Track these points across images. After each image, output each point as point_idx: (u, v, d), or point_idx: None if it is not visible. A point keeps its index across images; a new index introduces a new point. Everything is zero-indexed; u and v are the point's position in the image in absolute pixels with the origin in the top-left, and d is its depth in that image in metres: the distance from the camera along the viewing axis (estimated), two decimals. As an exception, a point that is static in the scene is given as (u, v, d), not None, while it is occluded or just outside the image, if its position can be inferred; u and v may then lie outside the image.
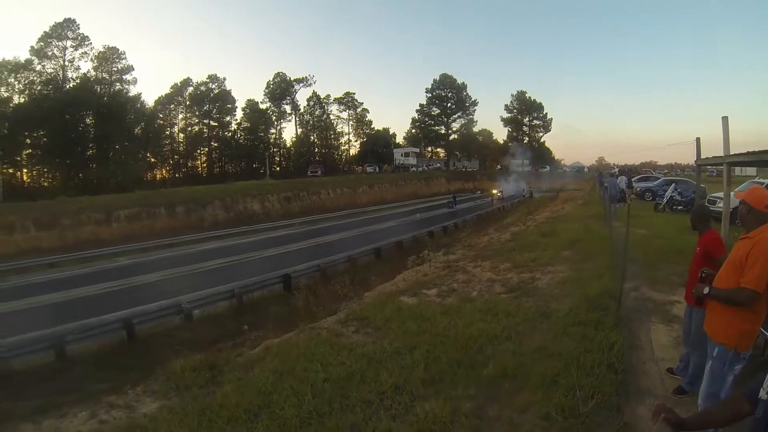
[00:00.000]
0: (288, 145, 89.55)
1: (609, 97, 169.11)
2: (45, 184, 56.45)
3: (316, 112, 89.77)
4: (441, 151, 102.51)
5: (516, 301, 8.46)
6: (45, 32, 57.42)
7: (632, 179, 36.65)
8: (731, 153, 15.13)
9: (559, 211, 30.21)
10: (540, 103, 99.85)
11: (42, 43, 56.84)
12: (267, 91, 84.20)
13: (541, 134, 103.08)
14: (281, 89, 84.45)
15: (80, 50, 59.84)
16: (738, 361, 3.51)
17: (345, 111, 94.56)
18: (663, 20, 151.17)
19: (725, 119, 15.96)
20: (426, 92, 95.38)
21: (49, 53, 57.19)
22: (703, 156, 18.20)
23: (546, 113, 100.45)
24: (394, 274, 15.23)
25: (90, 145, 60.15)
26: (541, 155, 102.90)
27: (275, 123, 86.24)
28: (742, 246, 3.55)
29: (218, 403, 5.15)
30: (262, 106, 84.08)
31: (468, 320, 7.31)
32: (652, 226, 16.97)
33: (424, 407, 4.65)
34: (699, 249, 4.90)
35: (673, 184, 26.12)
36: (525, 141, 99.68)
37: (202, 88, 77.41)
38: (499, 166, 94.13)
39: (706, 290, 3.68)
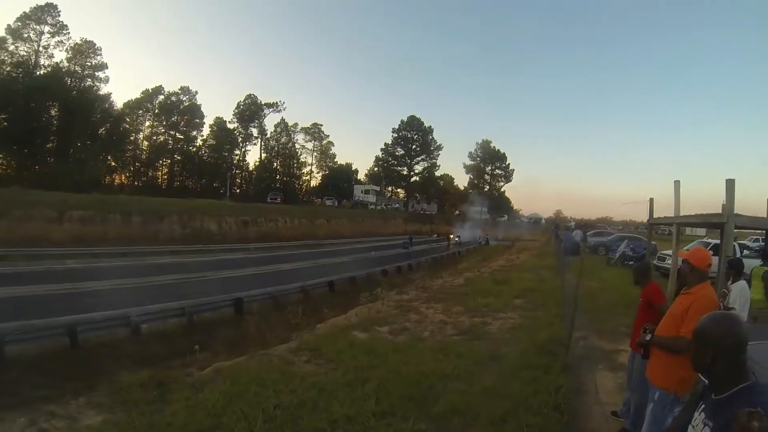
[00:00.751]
0: (251, 168, 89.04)
1: (570, 152, 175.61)
2: (-2, 170, 53.80)
3: (282, 139, 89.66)
4: (401, 192, 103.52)
5: (467, 343, 8.64)
6: (24, 13, 55.94)
7: (587, 234, 37.87)
8: (681, 214, 16.04)
9: (514, 260, 30.88)
10: (503, 153, 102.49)
11: (19, 24, 55.21)
12: (237, 111, 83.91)
13: (501, 184, 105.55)
14: (251, 111, 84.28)
15: (57, 38, 58.40)
16: (677, 405, 3.73)
17: (311, 141, 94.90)
18: (626, 82, 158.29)
19: (677, 183, 16.93)
20: (392, 132, 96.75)
21: (25, 35, 55.55)
22: (656, 215, 19.18)
23: (509, 164, 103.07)
24: (346, 308, 15.18)
25: (51, 138, 57.78)
26: (500, 204, 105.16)
27: (241, 144, 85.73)
28: (683, 300, 3.85)
29: (166, 422, 5.07)
30: (230, 126, 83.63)
31: (419, 358, 7.43)
32: (603, 280, 17.58)
33: (375, 438, 4.70)
34: (642, 300, 5.31)
35: (626, 241, 27.16)
36: (486, 189, 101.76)
37: (173, 98, 76.42)
38: (457, 212, 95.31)
39: (648, 336, 3.92)
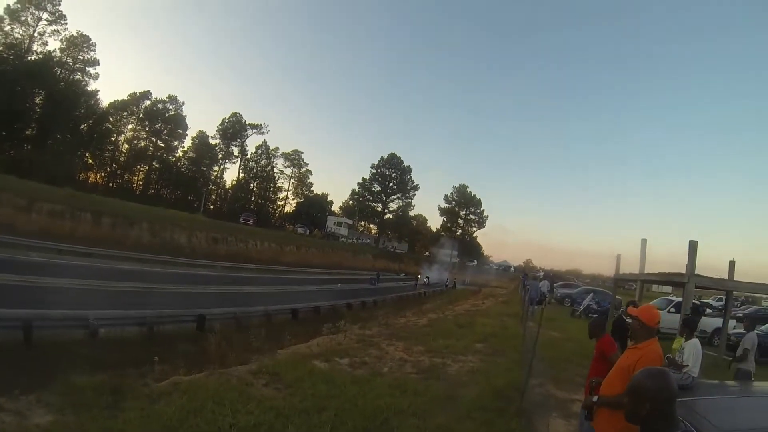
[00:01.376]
0: (227, 186, 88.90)
1: (545, 204, 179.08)
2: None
3: (262, 162, 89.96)
4: (373, 228, 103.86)
5: (425, 382, 8.73)
6: None
7: (554, 285, 38.49)
8: (646, 271, 16.60)
9: (479, 306, 31.05)
10: (479, 199, 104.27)
11: (19, 5, 55.05)
12: (220, 127, 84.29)
13: (474, 229, 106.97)
14: (234, 130, 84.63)
15: (53, 27, 58.69)
16: None
17: (290, 167, 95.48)
18: (603, 140, 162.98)
19: (644, 241, 17.59)
20: (371, 168, 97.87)
21: (23, 18, 55.45)
22: (623, 270, 19.75)
23: (483, 210, 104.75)
24: (308, 337, 15.10)
25: (31, 126, 57.02)
26: (471, 249, 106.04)
27: (220, 161, 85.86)
28: (631, 355, 4.07)
29: (119, 428, 5.06)
30: (212, 141, 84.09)
31: (377, 392, 7.50)
32: (565, 330, 17.89)
33: (326, 466, 4.77)
34: (596, 351, 5.56)
35: (591, 294, 27.71)
36: (458, 233, 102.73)
37: (159, 105, 76.46)
38: (427, 253, 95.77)
39: (595, 398, 4.11)
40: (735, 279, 14.98)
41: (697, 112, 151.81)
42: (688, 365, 6.43)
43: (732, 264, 15.11)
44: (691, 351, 6.58)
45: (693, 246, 13.72)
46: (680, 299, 18.38)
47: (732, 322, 20.04)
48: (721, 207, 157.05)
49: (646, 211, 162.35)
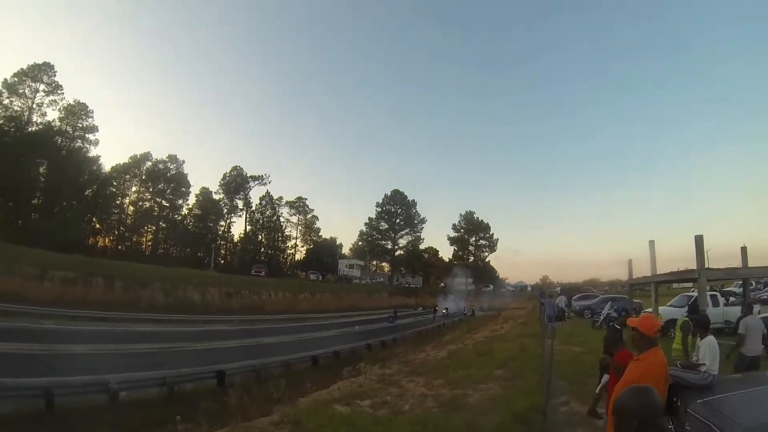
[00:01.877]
0: (235, 240, 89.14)
1: (554, 218, 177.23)
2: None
3: (267, 212, 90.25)
4: (386, 266, 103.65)
5: (446, 415, 8.72)
6: (22, 69, 57.37)
7: (572, 298, 38.17)
8: (658, 272, 16.57)
9: (498, 330, 30.84)
10: (487, 223, 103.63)
11: (16, 79, 56.42)
12: (222, 182, 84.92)
13: (486, 254, 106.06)
14: (236, 183, 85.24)
15: (51, 97, 59.66)
16: None
17: (295, 215, 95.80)
18: (603, 148, 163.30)
19: (652, 243, 17.60)
20: (376, 206, 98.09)
21: (20, 91, 56.69)
22: (637, 274, 19.70)
23: (492, 234, 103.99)
24: (329, 383, 15.16)
25: (37, 195, 57.73)
26: (486, 274, 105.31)
27: (226, 216, 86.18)
28: (634, 367, 4.10)
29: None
30: (216, 197, 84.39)
31: (399, 431, 7.52)
32: (587, 343, 17.61)
33: None
34: (614, 365, 5.55)
35: (610, 302, 27.44)
36: (470, 260, 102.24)
37: (161, 165, 76.99)
38: (442, 284, 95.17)
39: (602, 417, 4.17)
40: (748, 266, 14.93)
41: (691, 107, 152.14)
42: (705, 364, 6.39)
43: (744, 250, 15.08)
44: (707, 349, 6.49)
45: (699, 240, 13.76)
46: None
47: (757, 307, 19.87)
48: (730, 191, 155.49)
49: (653, 211, 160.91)
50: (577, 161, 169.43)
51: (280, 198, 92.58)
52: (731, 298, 22.24)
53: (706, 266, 14.21)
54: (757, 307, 17.88)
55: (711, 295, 20.59)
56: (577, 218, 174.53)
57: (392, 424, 8.02)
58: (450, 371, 13.91)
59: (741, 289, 26.21)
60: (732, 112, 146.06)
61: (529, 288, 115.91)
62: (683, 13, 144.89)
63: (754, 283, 33.58)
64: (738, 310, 18.23)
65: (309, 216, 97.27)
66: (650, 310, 18.47)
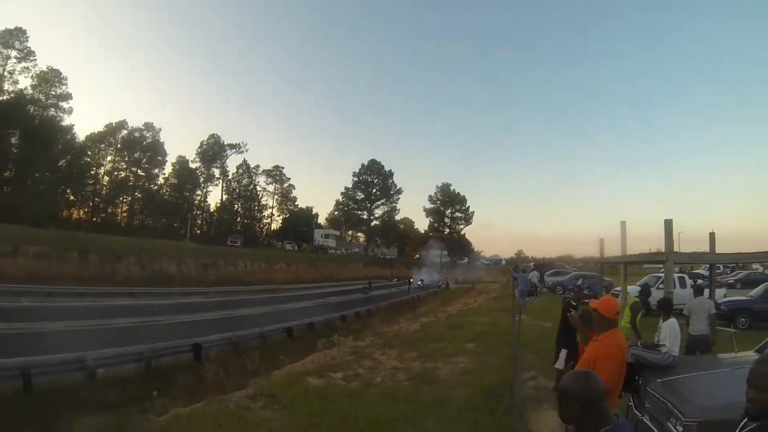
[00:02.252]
0: (212, 209, 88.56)
1: (530, 193, 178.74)
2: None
3: (244, 181, 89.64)
4: (361, 236, 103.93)
5: (417, 388, 8.97)
6: None
7: (545, 274, 38.88)
8: (628, 253, 17.02)
9: (471, 304, 31.34)
10: (463, 196, 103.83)
11: None
12: (199, 150, 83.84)
13: (462, 226, 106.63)
14: (213, 151, 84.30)
15: (23, 64, 58.00)
16: None
17: (272, 184, 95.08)
18: (581, 124, 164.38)
19: (623, 224, 17.98)
20: (353, 176, 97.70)
21: None
22: (608, 253, 20.19)
23: (468, 206, 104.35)
24: (303, 354, 15.36)
25: (9, 167, 56.15)
26: (461, 247, 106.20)
27: (202, 185, 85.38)
28: (593, 347, 4.27)
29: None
30: (192, 165, 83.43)
31: (370, 404, 7.74)
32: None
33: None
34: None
35: (581, 279, 28.05)
36: (446, 232, 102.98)
37: (136, 134, 75.48)
38: (417, 256, 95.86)
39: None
40: (716, 251, 15.39)
41: (670, 88, 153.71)
42: (665, 345, 6.61)
43: (712, 236, 15.47)
44: (669, 331, 6.72)
45: (668, 224, 14.10)
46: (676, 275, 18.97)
47: (722, 291, 20.51)
48: (703, 178, 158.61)
49: (628, 191, 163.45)
50: (555, 138, 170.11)
51: (257, 167, 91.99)
52: (699, 281, 23.01)
53: (675, 249, 14.58)
54: (723, 290, 18.52)
55: (679, 277, 21.22)
56: (554, 195, 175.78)
57: (363, 397, 8.25)
58: (422, 344, 14.23)
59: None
60: (711, 98, 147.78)
61: (503, 262, 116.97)
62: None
63: (722, 267, 34.60)
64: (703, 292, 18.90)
65: (285, 185, 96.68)
66: (619, 288, 19.00)
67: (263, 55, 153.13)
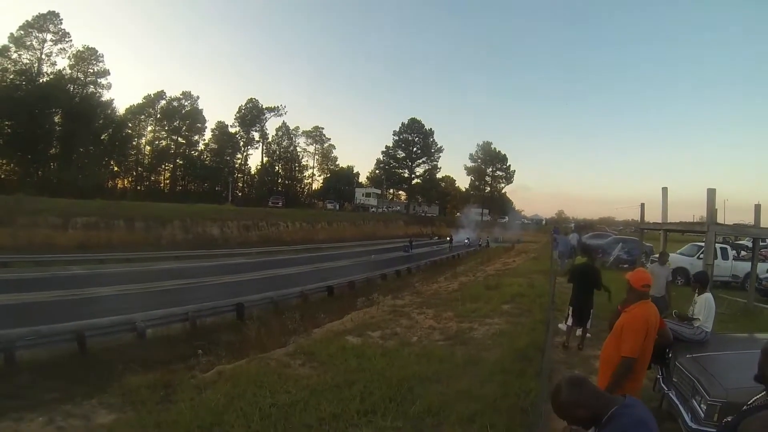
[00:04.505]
0: (252, 172, 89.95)
1: (573, 153, 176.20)
2: (1, 176, 54.75)
3: (284, 143, 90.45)
4: (402, 195, 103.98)
5: (451, 348, 9.23)
6: (27, 21, 56.79)
7: (582, 236, 38.36)
8: (670, 220, 16.74)
9: (510, 264, 31.36)
10: (504, 154, 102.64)
11: (22, 32, 56.04)
12: (238, 115, 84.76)
13: (503, 185, 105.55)
14: (252, 115, 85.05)
15: (59, 46, 59.29)
16: None
17: (312, 145, 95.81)
18: (625, 83, 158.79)
19: (665, 190, 17.58)
20: (393, 135, 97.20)
21: (28, 43, 56.45)
22: (650, 219, 19.87)
23: (509, 165, 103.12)
24: (343, 313, 15.77)
25: (54, 144, 58.67)
26: (502, 205, 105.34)
27: (242, 148, 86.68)
28: (621, 319, 4.35)
29: (173, 419, 5.71)
30: (232, 130, 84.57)
31: (404, 362, 8.05)
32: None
33: (356, 434, 5.37)
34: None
35: (621, 243, 27.55)
36: (487, 191, 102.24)
37: (175, 103, 77.11)
38: (458, 214, 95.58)
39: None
40: (761, 225, 14.93)
41: (714, 58, 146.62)
42: (699, 319, 6.51)
43: (758, 208, 14.97)
44: (703, 305, 6.54)
45: (711, 194, 13.74)
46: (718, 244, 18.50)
47: (765, 265, 19.85)
48: (750, 150, 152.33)
49: (674, 157, 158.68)
50: (600, 100, 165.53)
51: (297, 128, 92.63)
52: (743, 252, 22.23)
53: (719, 219, 14.26)
54: (765, 265, 17.89)
55: (721, 248, 20.57)
56: (598, 157, 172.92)
57: (399, 356, 8.53)
58: (459, 304, 14.41)
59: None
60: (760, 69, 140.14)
61: (543, 222, 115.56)
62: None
63: (767, 241, 33.26)
64: (748, 265, 18.28)
65: (326, 145, 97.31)
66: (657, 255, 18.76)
67: (299, 16, 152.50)
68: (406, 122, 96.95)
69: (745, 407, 2.47)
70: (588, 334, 9.43)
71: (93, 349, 11.26)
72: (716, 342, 6.18)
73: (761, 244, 19.42)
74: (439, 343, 9.71)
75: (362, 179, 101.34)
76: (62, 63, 60.45)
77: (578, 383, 2.16)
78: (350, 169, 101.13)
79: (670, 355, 5.76)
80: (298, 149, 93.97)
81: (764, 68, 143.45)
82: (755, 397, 2.45)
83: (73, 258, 25.52)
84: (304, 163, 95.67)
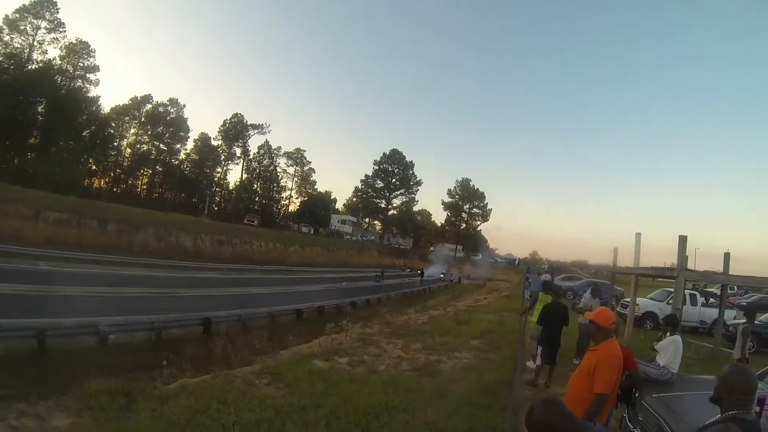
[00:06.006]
0: (231, 187, 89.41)
1: (549, 195, 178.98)
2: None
3: (265, 161, 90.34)
4: (378, 224, 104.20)
5: (419, 379, 9.19)
6: (23, 5, 56.24)
7: (555, 278, 38.74)
8: (640, 266, 17.09)
9: (481, 301, 31.48)
10: (482, 192, 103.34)
11: (17, 15, 55.45)
12: (222, 128, 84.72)
13: (479, 222, 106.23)
14: (236, 130, 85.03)
15: (52, 35, 58.87)
16: None
17: (292, 166, 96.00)
18: (602, 133, 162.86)
19: (638, 235, 17.94)
20: (374, 164, 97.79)
21: (22, 28, 55.86)
22: (621, 263, 20.24)
23: (487, 203, 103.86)
24: (311, 337, 15.64)
25: (34, 134, 57.53)
26: (476, 242, 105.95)
27: (223, 162, 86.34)
28: (591, 357, 4.42)
29: (133, 428, 5.55)
30: (214, 143, 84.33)
31: (371, 389, 7.98)
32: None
33: (320, 458, 5.28)
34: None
35: (592, 286, 27.87)
36: (462, 227, 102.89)
37: (161, 109, 76.62)
38: (432, 248, 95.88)
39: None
40: (729, 272, 15.36)
41: (688, 103, 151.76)
42: (660, 361, 6.62)
43: (727, 256, 15.47)
44: (670, 346, 6.72)
45: (683, 240, 14.11)
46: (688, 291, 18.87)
47: (732, 312, 20.36)
48: (722, 198, 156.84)
49: (648, 204, 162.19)
50: (579, 143, 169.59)
51: (279, 148, 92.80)
52: (711, 300, 22.75)
53: (690, 266, 14.65)
54: (733, 312, 18.33)
55: (690, 294, 21.12)
56: (573, 200, 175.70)
57: (366, 383, 8.46)
58: (428, 336, 14.39)
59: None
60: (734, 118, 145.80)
61: (517, 261, 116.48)
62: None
63: (736, 288, 34.15)
64: (715, 312, 18.72)
65: (306, 168, 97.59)
66: (628, 299, 19.11)
67: (291, 39, 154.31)
68: (388, 152, 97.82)
69: (701, 426, 2.69)
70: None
71: (52, 349, 10.83)
72: (682, 383, 6.32)
73: (729, 291, 19.87)
74: (407, 374, 9.67)
75: (339, 206, 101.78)
76: (53, 53, 60.07)
77: (555, 404, 2.19)
78: (328, 194, 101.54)
79: (637, 394, 5.85)
80: (279, 169, 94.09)
81: (737, 116, 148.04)
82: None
83: (40, 253, 24.77)
84: (282, 184, 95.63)
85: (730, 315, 18.86)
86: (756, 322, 18.77)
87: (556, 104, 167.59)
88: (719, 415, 2.65)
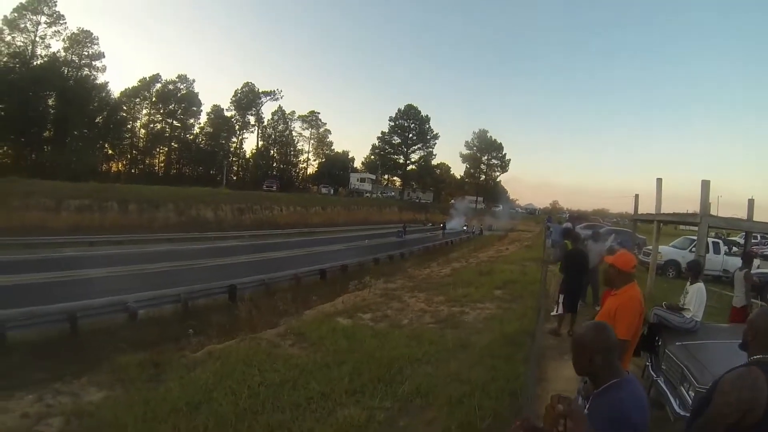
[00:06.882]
0: (247, 156, 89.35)
1: (568, 144, 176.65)
2: (-6, 158, 54.09)
3: (279, 127, 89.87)
4: (397, 180, 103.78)
5: (441, 331, 9.26)
6: (21, 3, 55.73)
7: (577, 226, 38.34)
8: (662, 212, 16.75)
9: (503, 252, 31.41)
10: (500, 143, 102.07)
11: (16, 14, 55.10)
12: (234, 99, 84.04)
13: (498, 173, 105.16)
14: (248, 99, 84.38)
15: (53, 28, 58.39)
16: None
17: (308, 129, 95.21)
18: (621, 75, 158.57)
19: (659, 180, 17.51)
20: (389, 120, 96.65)
21: (22, 26, 55.56)
22: (643, 210, 19.88)
23: (505, 154, 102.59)
24: (334, 296, 15.81)
25: (48, 127, 58.19)
26: (496, 194, 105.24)
27: (238, 132, 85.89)
28: (612, 301, 4.32)
29: (161, 397, 5.73)
30: (227, 114, 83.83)
31: (394, 344, 8.08)
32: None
33: (344, 413, 5.39)
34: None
35: (614, 234, 27.66)
36: (482, 179, 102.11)
37: (170, 86, 76.22)
38: (452, 201, 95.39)
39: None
40: (754, 219, 14.89)
41: (711, 53, 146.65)
42: (689, 309, 6.52)
43: (751, 203, 14.94)
44: (694, 295, 6.51)
45: (705, 186, 13.66)
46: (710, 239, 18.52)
47: (757, 261, 19.92)
48: (746, 145, 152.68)
49: (668, 148, 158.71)
50: (596, 92, 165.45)
51: (293, 112, 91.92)
52: (734, 248, 22.24)
53: (713, 213, 14.24)
54: (756, 261, 17.92)
55: (713, 243, 20.59)
56: (593, 148, 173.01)
57: (389, 338, 8.57)
58: (451, 289, 14.46)
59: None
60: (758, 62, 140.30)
61: (537, 212, 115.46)
62: None
63: (759, 237, 33.36)
64: (738, 261, 18.19)
65: (321, 130, 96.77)
66: (650, 247, 18.80)
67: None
68: (403, 108, 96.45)
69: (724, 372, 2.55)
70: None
71: (84, 329, 11.22)
72: (705, 331, 6.17)
73: (753, 240, 19.43)
74: (430, 326, 9.75)
75: (357, 164, 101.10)
76: (56, 45, 59.76)
77: (607, 331, 2.24)
78: (345, 154, 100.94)
79: (660, 342, 5.78)
80: (294, 133, 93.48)
81: (761, 64, 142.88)
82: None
83: (65, 240, 25.38)
84: (299, 148, 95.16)
85: (754, 264, 18.46)
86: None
87: (574, 46, 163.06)
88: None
